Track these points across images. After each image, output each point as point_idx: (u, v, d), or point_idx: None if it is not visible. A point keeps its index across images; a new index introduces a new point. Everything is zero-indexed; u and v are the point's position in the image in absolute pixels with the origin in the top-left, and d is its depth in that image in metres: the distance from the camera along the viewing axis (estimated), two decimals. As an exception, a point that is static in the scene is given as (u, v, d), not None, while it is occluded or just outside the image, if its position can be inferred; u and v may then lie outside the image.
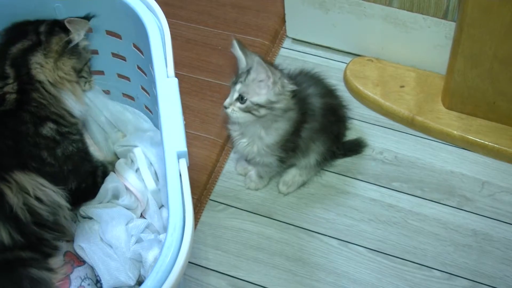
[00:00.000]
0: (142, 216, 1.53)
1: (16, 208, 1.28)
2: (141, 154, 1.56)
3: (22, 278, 1.29)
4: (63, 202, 1.37)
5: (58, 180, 1.38)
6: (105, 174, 1.53)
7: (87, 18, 1.46)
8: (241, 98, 1.42)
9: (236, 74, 1.48)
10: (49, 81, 1.41)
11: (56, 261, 1.39)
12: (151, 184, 1.53)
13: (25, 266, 1.31)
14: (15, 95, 1.37)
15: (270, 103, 1.42)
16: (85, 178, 1.48)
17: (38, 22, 1.46)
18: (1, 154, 1.31)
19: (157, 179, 1.54)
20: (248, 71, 1.43)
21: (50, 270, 1.36)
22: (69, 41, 1.44)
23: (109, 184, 1.50)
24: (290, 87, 1.44)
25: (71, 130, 1.43)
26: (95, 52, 1.59)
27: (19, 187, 1.30)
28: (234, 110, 1.43)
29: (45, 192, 1.33)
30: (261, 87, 1.41)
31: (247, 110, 1.43)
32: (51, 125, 1.39)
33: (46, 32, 1.44)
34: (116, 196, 1.52)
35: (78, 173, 1.44)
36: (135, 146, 1.58)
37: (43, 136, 1.37)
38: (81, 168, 1.46)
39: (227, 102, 1.45)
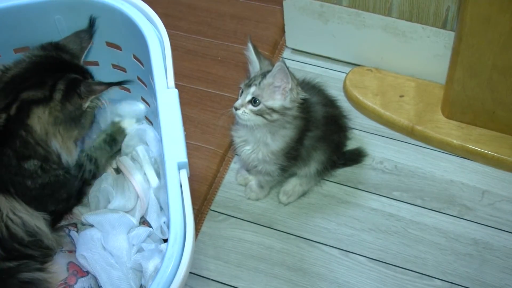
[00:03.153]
0: (143, 218, 1.54)
1: None
2: (144, 152, 1.57)
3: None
4: (42, 226, 1.35)
5: (38, 203, 1.37)
6: (82, 192, 1.51)
7: (110, 84, 1.39)
8: (254, 101, 1.43)
9: (248, 77, 1.49)
10: (43, 132, 1.34)
11: (52, 265, 1.38)
12: (154, 181, 1.53)
13: (13, 275, 1.30)
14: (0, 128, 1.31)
15: (284, 109, 1.43)
16: (60, 202, 1.45)
17: (58, 74, 1.37)
18: None
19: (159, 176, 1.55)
20: (263, 75, 1.43)
21: (43, 270, 1.35)
22: (79, 109, 1.37)
23: (99, 189, 1.52)
24: (304, 94, 1.45)
25: (57, 167, 1.39)
26: (96, 63, 1.60)
27: None
28: (246, 112, 1.44)
29: (19, 215, 1.32)
30: (276, 92, 1.42)
31: (259, 113, 1.43)
32: (35, 162, 1.34)
33: (62, 92, 1.35)
34: (107, 200, 1.53)
35: (54, 198, 1.43)
36: (137, 145, 1.59)
37: (25, 169, 1.34)
38: (57, 195, 1.43)
39: (238, 103, 1.45)
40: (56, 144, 1.36)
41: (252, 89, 1.44)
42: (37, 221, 1.34)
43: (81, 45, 1.46)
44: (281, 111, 1.43)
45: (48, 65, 1.39)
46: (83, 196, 1.51)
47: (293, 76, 1.42)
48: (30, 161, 1.34)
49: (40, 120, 1.33)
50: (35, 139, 1.33)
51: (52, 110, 1.34)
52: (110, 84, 1.37)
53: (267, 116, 1.43)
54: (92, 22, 1.46)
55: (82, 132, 1.42)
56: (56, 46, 1.44)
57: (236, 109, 1.45)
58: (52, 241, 1.39)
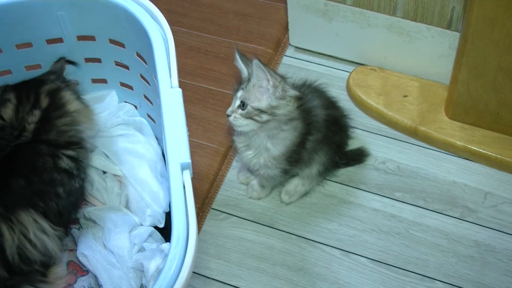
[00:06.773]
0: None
1: (8, 252, 1.25)
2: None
3: None
4: (56, 248, 1.33)
5: (61, 216, 1.35)
6: None
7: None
8: (242, 105, 1.43)
9: (238, 84, 1.48)
10: (75, 112, 1.43)
11: (55, 271, 1.36)
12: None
13: None
14: (34, 125, 1.35)
15: (271, 108, 1.42)
16: (77, 211, 1.48)
17: (46, 79, 1.49)
18: (11, 193, 1.28)
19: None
20: (249, 78, 1.43)
21: (46, 282, 1.33)
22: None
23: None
24: (292, 92, 1.44)
25: (84, 163, 1.42)
26: (98, 60, 1.59)
27: (20, 229, 1.26)
28: (236, 118, 1.44)
29: (42, 238, 1.29)
30: (262, 92, 1.41)
31: (248, 116, 1.43)
32: (71, 152, 1.37)
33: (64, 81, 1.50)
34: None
35: (76, 207, 1.44)
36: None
37: (62, 169, 1.34)
38: (78, 203, 1.45)
39: (229, 110, 1.45)
40: (83, 120, 1.44)
41: (240, 93, 1.44)
42: (54, 243, 1.32)
43: None
44: (269, 111, 1.42)
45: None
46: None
47: (273, 72, 1.41)
48: (65, 156, 1.36)
49: (72, 100, 1.43)
50: (70, 121, 1.40)
51: (73, 88, 1.47)
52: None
53: (256, 118, 1.42)
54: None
55: None
56: None
57: (228, 116, 1.45)
58: (58, 253, 1.36)
